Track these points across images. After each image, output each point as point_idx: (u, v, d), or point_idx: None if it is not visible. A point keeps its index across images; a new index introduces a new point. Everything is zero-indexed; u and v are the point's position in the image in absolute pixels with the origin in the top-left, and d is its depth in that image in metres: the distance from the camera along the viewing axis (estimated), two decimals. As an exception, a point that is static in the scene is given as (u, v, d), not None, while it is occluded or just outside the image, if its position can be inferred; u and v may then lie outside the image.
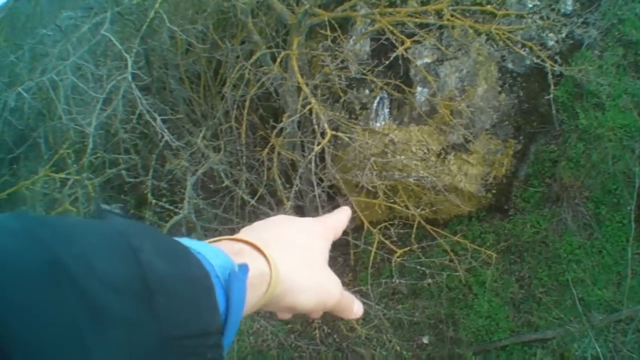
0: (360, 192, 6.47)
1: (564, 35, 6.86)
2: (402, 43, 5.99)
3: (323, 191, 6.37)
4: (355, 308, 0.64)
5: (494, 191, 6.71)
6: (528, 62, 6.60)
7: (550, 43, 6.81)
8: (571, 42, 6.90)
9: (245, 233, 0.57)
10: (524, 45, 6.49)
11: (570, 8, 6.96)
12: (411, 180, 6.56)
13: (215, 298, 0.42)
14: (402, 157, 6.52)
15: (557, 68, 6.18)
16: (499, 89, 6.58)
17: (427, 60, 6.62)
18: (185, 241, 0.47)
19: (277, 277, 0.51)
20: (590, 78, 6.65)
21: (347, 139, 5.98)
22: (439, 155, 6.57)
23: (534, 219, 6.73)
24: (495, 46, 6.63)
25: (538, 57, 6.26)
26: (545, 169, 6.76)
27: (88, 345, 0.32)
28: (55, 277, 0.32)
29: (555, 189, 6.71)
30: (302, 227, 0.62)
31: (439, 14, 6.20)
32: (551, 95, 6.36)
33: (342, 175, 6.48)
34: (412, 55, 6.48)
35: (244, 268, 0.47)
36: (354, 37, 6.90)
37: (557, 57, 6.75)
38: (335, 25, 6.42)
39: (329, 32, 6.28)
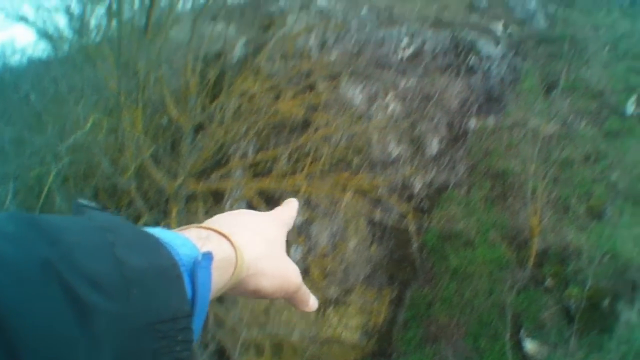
0: (247, 351, 6.72)
1: (430, 177, 7.27)
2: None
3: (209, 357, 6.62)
4: (311, 302, 0.68)
5: (375, 338, 7.01)
6: (395, 211, 6.97)
7: (417, 188, 7.21)
8: (438, 183, 7.31)
9: (211, 223, 0.60)
10: (390, 197, 6.87)
11: (435, 150, 7.37)
12: (295, 335, 6.84)
13: (183, 286, 0.46)
14: (284, 315, 6.81)
15: (412, 227, 6.53)
16: (370, 240, 6.94)
17: (299, 219, 6.97)
18: (156, 231, 0.50)
19: (242, 261, 0.55)
20: (458, 217, 7.04)
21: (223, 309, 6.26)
22: (318, 310, 6.87)
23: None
24: (362, 201, 7.00)
25: (400, 213, 6.63)
26: (422, 312, 7.09)
27: (74, 336, 0.36)
28: (45, 278, 0.36)
29: (433, 329, 7.03)
30: (262, 219, 0.66)
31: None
32: (415, 246, 6.72)
33: (226, 337, 6.74)
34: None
35: (207, 256, 0.50)
36: (229, 201, 7.25)
37: (424, 202, 7.15)
38: (209, 196, 6.76)
39: (201, 205, 6.58)
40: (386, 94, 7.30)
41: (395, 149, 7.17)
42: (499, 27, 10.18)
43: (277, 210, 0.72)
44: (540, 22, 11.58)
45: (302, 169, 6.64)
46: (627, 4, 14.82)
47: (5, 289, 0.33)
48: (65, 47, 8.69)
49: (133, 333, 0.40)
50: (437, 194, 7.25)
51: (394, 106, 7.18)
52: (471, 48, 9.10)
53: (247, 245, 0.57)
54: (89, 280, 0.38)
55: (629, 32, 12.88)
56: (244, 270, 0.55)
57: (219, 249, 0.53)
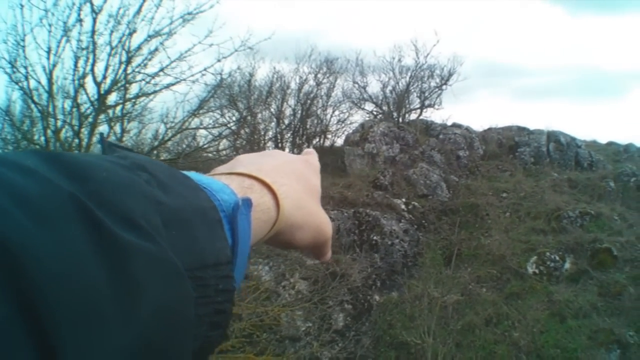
0: None
1: (337, 350, 7.73)
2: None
3: None
4: (329, 253, 0.65)
5: None
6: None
7: (325, 361, 7.64)
8: (344, 355, 7.76)
9: (253, 166, 0.57)
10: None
11: (341, 323, 7.93)
12: None
13: (224, 230, 0.43)
14: None
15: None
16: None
17: (210, 399, 7.19)
18: (193, 175, 0.47)
19: (283, 214, 0.53)
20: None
21: None
22: None
23: None
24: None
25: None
26: None
27: (105, 281, 0.31)
28: (71, 215, 0.31)
29: None
30: (303, 165, 0.63)
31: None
32: None
33: None
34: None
35: (247, 202, 0.47)
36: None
37: (331, 375, 7.55)
38: None
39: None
40: (293, 273, 7.96)
41: (302, 325, 7.66)
42: (401, 203, 11.29)
43: (309, 157, 0.70)
44: (443, 194, 12.75)
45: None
46: (530, 162, 16.02)
47: (22, 229, 0.28)
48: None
49: (173, 278, 0.36)
50: (344, 365, 7.68)
51: (300, 285, 7.81)
52: (374, 225, 10.06)
53: (289, 196, 0.55)
54: (122, 219, 0.34)
55: (530, 192, 14.01)
56: (283, 223, 0.54)
57: (261, 200, 0.52)
